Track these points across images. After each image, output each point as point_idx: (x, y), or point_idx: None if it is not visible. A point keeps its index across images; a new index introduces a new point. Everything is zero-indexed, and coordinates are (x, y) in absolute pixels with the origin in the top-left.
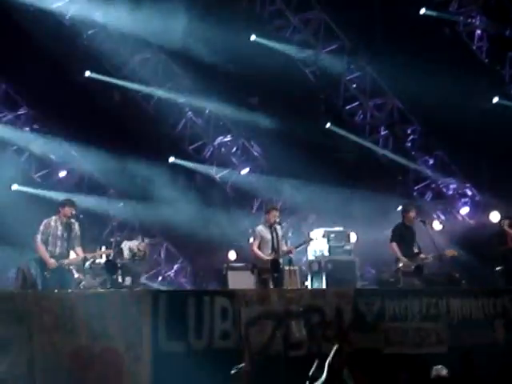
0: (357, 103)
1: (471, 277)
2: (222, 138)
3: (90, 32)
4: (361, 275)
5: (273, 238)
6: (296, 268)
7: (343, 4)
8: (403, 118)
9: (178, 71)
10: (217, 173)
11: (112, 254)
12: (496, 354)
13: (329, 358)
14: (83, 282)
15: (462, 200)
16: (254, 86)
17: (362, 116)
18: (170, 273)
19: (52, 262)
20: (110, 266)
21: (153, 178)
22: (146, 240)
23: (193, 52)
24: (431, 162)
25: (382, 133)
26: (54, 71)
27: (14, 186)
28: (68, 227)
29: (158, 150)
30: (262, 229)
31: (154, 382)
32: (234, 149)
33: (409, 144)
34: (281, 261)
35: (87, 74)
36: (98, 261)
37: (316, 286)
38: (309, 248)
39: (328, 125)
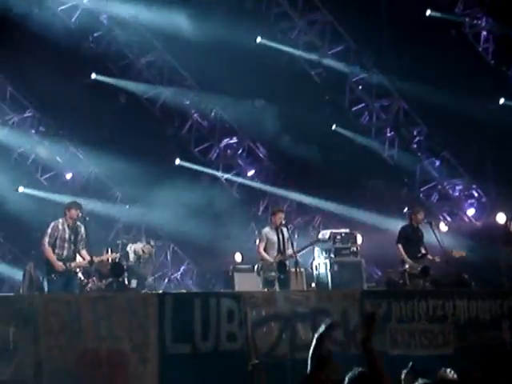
0: (362, 105)
1: (477, 278)
2: (227, 139)
3: (95, 34)
4: (367, 277)
5: (279, 239)
6: (302, 270)
7: (349, 6)
8: (409, 120)
9: (184, 73)
10: (223, 175)
11: (118, 257)
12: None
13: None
14: (90, 285)
15: (469, 201)
16: (259, 87)
17: (367, 117)
18: (176, 275)
19: (60, 264)
20: (116, 269)
21: (159, 180)
22: (152, 242)
23: (198, 54)
24: (437, 163)
25: (388, 134)
26: (60, 74)
27: (20, 189)
28: (74, 230)
29: (163, 152)
30: (268, 231)
31: None
32: (240, 151)
33: (415, 145)
34: (287, 262)
35: (93, 76)
36: (104, 263)
37: (322, 287)
38: (315, 249)
39: (334, 126)
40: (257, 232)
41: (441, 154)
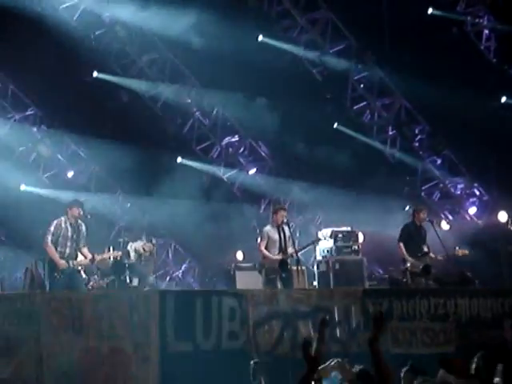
0: (364, 103)
1: (479, 276)
2: (229, 138)
3: (97, 32)
4: (368, 275)
5: (280, 238)
6: (304, 268)
7: (350, 4)
8: (411, 118)
9: (186, 71)
10: (224, 173)
11: (120, 256)
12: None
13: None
14: (91, 283)
15: (470, 200)
16: (261, 86)
17: (369, 116)
18: (177, 273)
19: (62, 262)
20: (118, 267)
21: (160, 178)
22: (153, 240)
23: (200, 52)
24: (439, 161)
25: (390, 133)
26: (62, 72)
27: (22, 187)
28: (76, 228)
29: (165, 151)
30: (269, 229)
31: (162, 382)
32: (242, 149)
33: (416, 144)
34: (289, 261)
35: (95, 74)
36: (106, 261)
37: (324, 286)
38: (317, 248)
39: (335, 125)
40: (258, 230)
41: (442, 152)
